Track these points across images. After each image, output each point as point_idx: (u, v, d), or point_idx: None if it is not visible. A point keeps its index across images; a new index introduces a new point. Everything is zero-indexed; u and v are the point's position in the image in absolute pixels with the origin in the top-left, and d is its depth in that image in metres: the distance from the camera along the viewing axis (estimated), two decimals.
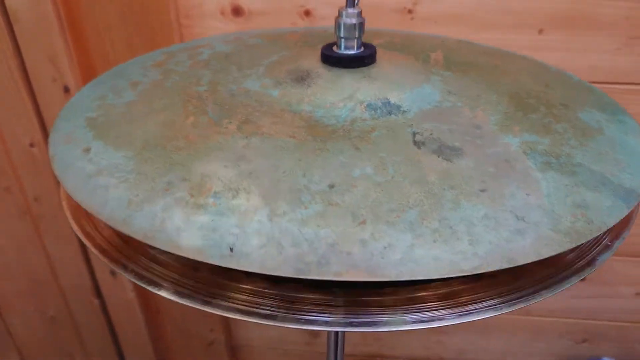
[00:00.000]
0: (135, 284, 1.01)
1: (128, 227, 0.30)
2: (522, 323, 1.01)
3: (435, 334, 1.05)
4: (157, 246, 0.28)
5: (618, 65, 0.72)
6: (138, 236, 0.29)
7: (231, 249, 0.28)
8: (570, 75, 0.50)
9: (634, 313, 0.98)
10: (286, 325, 0.30)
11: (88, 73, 0.79)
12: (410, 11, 0.70)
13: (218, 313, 0.31)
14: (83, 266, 1.01)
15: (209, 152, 0.34)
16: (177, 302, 1.01)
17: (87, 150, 0.36)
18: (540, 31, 0.70)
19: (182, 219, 0.29)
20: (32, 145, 0.87)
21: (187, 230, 0.29)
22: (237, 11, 0.73)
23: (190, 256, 0.28)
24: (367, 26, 0.42)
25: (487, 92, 0.42)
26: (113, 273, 1.01)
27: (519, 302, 0.32)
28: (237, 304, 0.32)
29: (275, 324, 0.31)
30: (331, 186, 0.31)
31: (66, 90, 0.79)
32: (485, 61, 0.49)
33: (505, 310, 0.32)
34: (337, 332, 0.58)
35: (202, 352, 1.12)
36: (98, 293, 1.06)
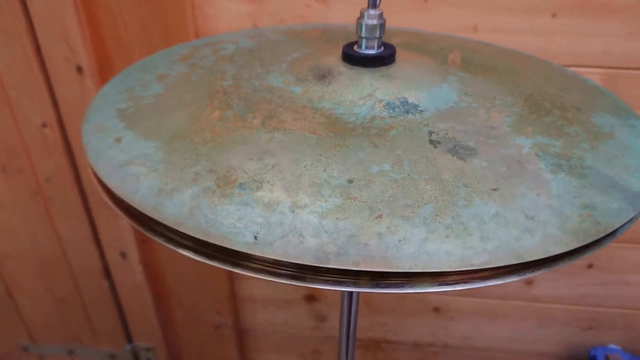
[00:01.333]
0: (144, 266, 1.03)
1: (159, 213, 0.32)
2: (529, 309, 1.02)
3: (441, 319, 1.06)
4: (187, 232, 0.30)
5: (631, 50, 0.71)
6: (169, 222, 0.31)
7: (255, 237, 0.29)
8: (586, 79, 0.51)
9: None
10: (313, 286, 0.31)
11: (100, 53, 0.80)
12: None
13: (246, 274, 0.31)
14: (93, 248, 1.03)
15: (235, 146, 0.36)
16: (186, 285, 1.03)
17: (119, 139, 0.38)
18: (554, 15, 0.70)
19: (209, 208, 0.31)
20: (44, 125, 0.88)
21: (215, 218, 0.30)
22: None
23: (218, 243, 0.30)
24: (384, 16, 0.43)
25: (503, 94, 0.44)
26: (123, 255, 1.03)
27: (543, 267, 0.32)
28: (265, 265, 0.32)
29: (304, 285, 0.31)
30: (350, 181, 0.32)
31: (79, 70, 0.80)
32: (503, 63, 0.50)
33: (528, 275, 0.32)
34: (350, 314, 0.59)
35: (209, 335, 1.15)
36: (107, 275, 1.08)
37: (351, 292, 0.58)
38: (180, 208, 0.32)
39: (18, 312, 1.18)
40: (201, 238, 0.30)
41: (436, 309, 1.05)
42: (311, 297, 1.07)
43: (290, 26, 0.61)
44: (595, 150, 0.37)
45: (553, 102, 0.43)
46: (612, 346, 1.01)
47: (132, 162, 0.36)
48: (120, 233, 0.99)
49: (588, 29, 0.70)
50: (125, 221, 0.97)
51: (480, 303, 1.03)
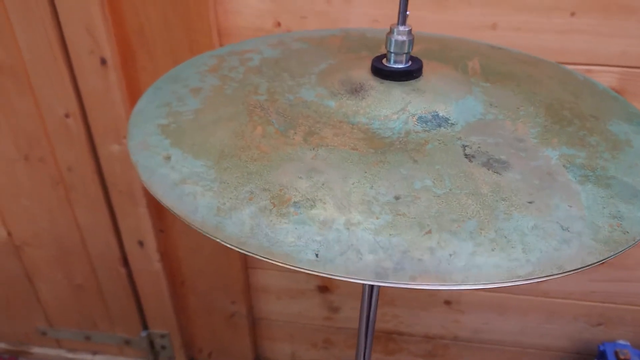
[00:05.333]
0: (162, 255, 1.05)
1: (221, 233, 0.34)
2: (538, 304, 1.04)
3: (452, 312, 1.09)
4: (251, 252, 0.33)
5: None
6: (232, 242, 0.33)
7: (317, 255, 0.32)
8: (595, 82, 0.54)
9: None
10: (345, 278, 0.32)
11: (124, 45, 0.82)
12: None
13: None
14: (111, 236, 1.06)
15: (282, 163, 0.38)
16: (201, 274, 1.04)
17: (168, 157, 0.40)
18: (573, 14, 0.71)
19: (269, 227, 0.33)
20: (67, 116, 0.90)
21: (276, 237, 0.33)
22: None
23: (282, 261, 0.32)
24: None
25: (525, 103, 0.46)
26: (141, 244, 1.05)
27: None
28: None
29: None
30: (397, 197, 0.35)
31: (103, 62, 0.82)
32: (519, 70, 0.53)
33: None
34: (370, 305, 0.62)
35: (223, 324, 1.18)
36: (125, 263, 1.10)
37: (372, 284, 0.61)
38: (241, 227, 0.34)
39: (37, 298, 1.20)
40: (265, 257, 0.32)
41: (447, 302, 1.08)
42: (324, 288, 1.10)
43: (309, 33, 0.62)
44: (616, 159, 0.40)
45: (572, 110, 0.46)
46: (622, 342, 1.02)
47: (185, 181, 0.38)
48: (138, 222, 1.01)
49: (607, 28, 0.71)
50: (143, 210, 0.99)
51: (491, 297, 1.05)
